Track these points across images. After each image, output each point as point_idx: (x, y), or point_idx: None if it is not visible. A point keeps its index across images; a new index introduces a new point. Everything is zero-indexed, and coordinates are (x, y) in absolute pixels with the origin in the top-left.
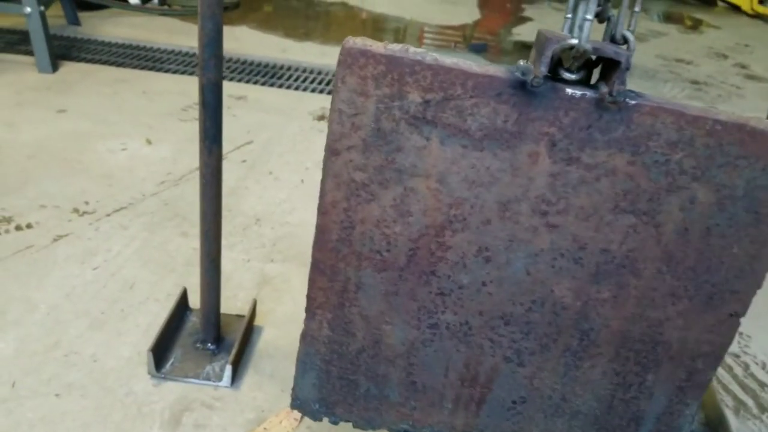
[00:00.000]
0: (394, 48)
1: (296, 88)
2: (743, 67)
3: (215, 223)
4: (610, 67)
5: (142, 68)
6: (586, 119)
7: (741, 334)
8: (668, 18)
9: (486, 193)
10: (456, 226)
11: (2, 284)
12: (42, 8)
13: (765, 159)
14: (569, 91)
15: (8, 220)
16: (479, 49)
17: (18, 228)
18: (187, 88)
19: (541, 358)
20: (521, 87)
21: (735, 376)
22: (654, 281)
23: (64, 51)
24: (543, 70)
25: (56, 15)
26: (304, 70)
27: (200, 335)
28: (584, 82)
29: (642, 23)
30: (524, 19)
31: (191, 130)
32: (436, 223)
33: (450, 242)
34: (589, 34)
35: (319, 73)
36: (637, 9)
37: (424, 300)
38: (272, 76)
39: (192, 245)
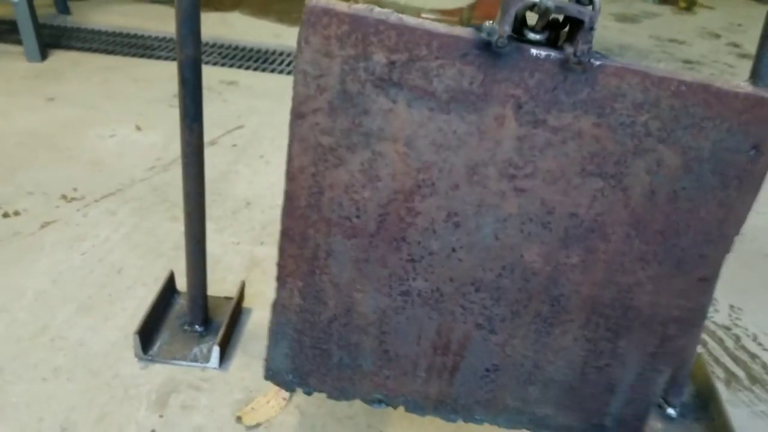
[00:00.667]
0: (359, 7)
1: (288, 73)
2: (736, 46)
3: (199, 204)
4: (575, 27)
5: (133, 55)
6: (551, 81)
7: (732, 307)
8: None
9: (454, 157)
10: (425, 191)
11: None
12: None
13: (730, 120)
14: (534, 51)
15: None
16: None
17: (5, 215)
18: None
19: (512, 325)
20: (486, 48)
21: (726, 349)
22: (623, 245)
23: (53, 40)
24: (507, 29)
25: (46, 4)
26: None
27: (187, 317)
28: (551, 44)
29: (636, 5)
30: None
31: None
32: (405, 188)
33: (419, 207)
34: None
35: None
36: None
37: (395, 267)
38: (264, 62)
39: (181, 230)
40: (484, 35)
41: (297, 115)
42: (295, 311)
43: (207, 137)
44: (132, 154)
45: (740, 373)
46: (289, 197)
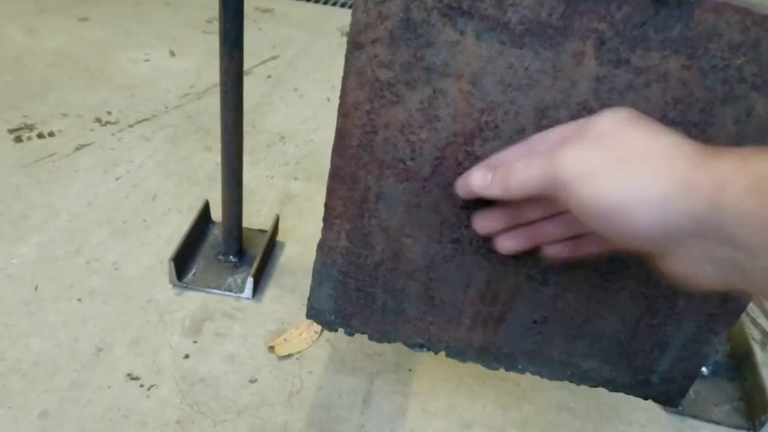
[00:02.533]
0: None
1: (325, 2)
2: None
3: (237, 134)
4: None
5: None
6: (640, 14)
7: None
8: None
9: (522, 98)
10: (487, 134)
11: (25, 190)
12: None
13: None
14: None
15: (30, 127)
16: None
17: (40, 135)
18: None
19: (566, 279)
20: None
21: (765, 311)
22: None
23: None
24: None
25: None
26: None
27: (222, 248)
28: None
29: None
30: None
31: (215, 42)
32: (466, 131)
33: (479, 152)
34: None
35: None
36: None
37: (448, 214)
38: None
39: (215, 160)
40: None
41: (354, 46)
42: (341, 253)
43: None
44: (165, 79)
45: None
46: (341, 135)
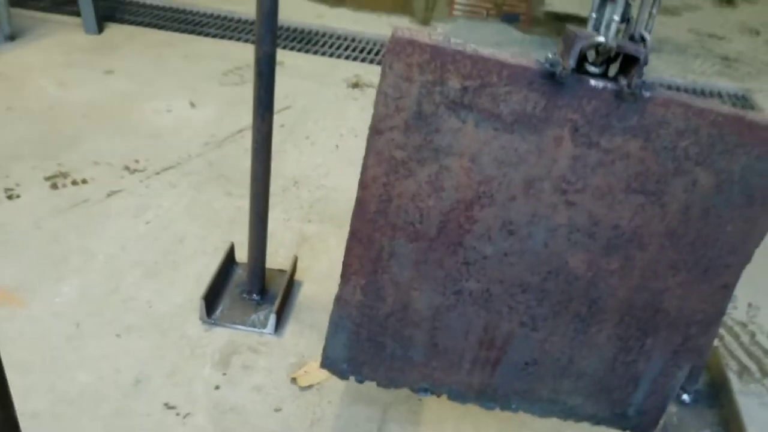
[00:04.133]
0: (438, 38)
1: (330, 55)
2: None
3: (264, 184)
4: (630, 62)
5: (183, 31)
6: (606, 108)
7: (750, 305)
8: None
9: (513, 172)
10: (484, 201)
11: (63, 234)
12: None
13: (760, 148)
14: (593, 82)
15: (65, 175)
16: (511, 19)
17: (74, 183)
18: (227, 52)
19: (553, 324)
20: (550, 77)
21: (741, 344)
22: (657, 255)
23: (108, 12)
24: (571, 63)
25: None
26: (339, 37)
27: (246, 286)
28: (605, 75)
29: None
30: None
31: (232, 93)
32: (467, 199)
33: (478, 216)
34: (615, 34)
35: (353, 40)
36: (654, 11)
37: (451, 268)
38: (307, 42)
39: (235, 204)
40: (548, 66)
41: (375, 131)
42: (356, 306)
43: None
44: (187, 129)
45: (753, 367)
46: (361, 203)
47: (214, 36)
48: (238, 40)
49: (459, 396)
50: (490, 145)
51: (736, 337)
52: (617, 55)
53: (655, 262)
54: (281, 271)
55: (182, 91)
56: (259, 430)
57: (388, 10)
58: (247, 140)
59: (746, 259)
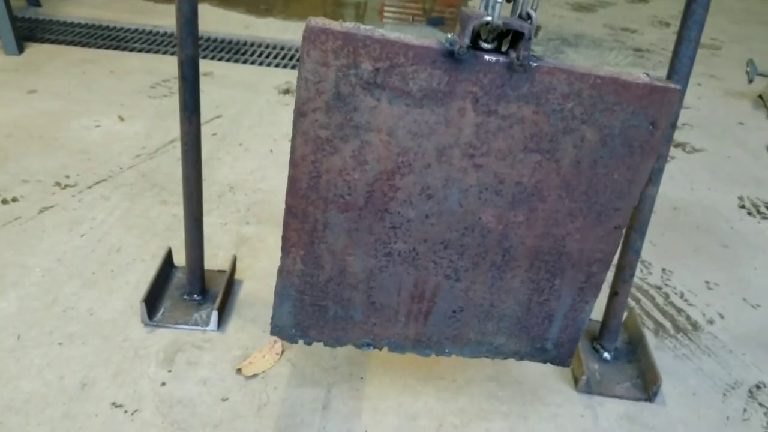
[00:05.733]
0: (349, 26)
1: (260, 64)
2: None
3: (197, 186)
4: (518, 37)
5: (107, 48)
6: (500, 79)
7: (664, 270)
8: None
9: (426, 142)
10: (403, 170)
11: None
12: None
13: (634, 104)
14: (487, 57)
15: None
16: (437, 23)
17: (4, 202)
18: (154, 66)
19: (473, 274)
20: (450, 55)
21: (657, 305)
22: (556, 205)
23: (27, 32)
24: (466, 41)
25: None
26: (267, 46)
27: (186, 288)
28: (498, 50)
29: None
30: None
31: (161, 106)
32: (388, 169)
33: (399, 184)
34: (500, 13)
35: (282, 48)
36: None
37: (380, 233)
38: (236, 53)
39: (171, 212)
40: (448, 45)
41: (300, 114)
42: (297, 275)
43: None
44: (117, 143)
45: (667, 324)
46: (293, 181)
47: (140, 51)
48: (165, 53)
49: (398, 347)
50: (403, 120)
51: (652, 299)
52: (508, 31)
53: (556, 212)
54: (221, 271)
55: (110, 107)
56: (207, 419)
57: None
58: (179, 150)
59: (633, 201)
